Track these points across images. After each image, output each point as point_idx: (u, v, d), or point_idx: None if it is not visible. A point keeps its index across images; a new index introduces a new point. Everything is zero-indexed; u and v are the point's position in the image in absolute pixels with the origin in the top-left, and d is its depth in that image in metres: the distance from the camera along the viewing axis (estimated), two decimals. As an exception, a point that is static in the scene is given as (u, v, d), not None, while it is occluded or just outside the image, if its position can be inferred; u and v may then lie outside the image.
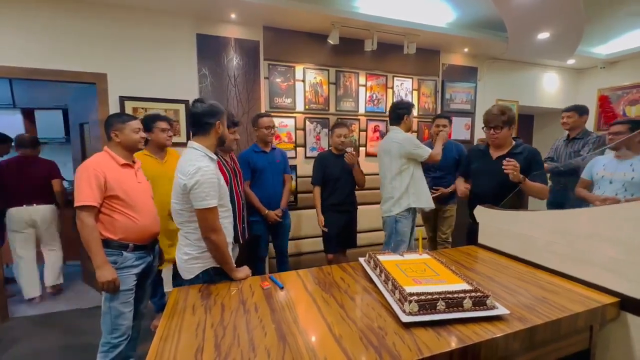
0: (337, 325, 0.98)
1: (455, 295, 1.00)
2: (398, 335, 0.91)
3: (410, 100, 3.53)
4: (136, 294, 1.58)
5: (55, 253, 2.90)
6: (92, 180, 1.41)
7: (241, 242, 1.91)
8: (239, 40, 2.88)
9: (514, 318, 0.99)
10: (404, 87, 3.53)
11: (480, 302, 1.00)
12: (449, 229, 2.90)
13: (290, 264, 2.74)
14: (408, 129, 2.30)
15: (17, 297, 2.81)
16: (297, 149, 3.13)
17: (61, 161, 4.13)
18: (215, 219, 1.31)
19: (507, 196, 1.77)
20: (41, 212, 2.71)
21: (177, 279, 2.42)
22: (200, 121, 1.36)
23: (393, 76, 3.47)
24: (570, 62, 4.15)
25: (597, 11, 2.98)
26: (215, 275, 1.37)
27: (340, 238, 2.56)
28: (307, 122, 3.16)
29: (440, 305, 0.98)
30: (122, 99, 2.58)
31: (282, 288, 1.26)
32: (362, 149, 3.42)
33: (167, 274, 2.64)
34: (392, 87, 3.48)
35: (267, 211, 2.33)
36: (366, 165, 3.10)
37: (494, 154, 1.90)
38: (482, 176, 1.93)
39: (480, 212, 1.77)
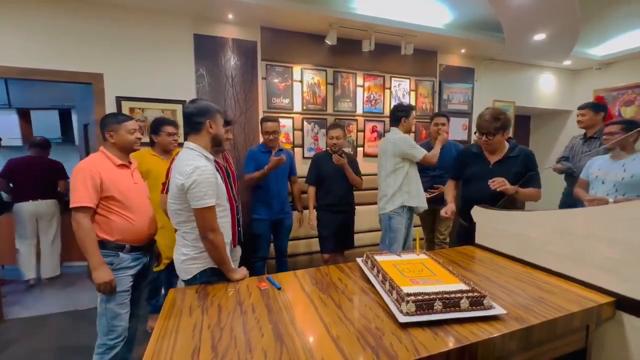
0: (335, 326, 0.98)
1: (453, 296, 1.00)
2: (395, 336, 0.91)
3: (409, 102, 3.54)
4: (132, 295, 1.57)
5: (53, 245, 3.15)
6: (88, 181, 1.40)
7: (233, 246, 1.86)
8: (237, 41, 2.87)
9: (510, 318, 1.00)
10: (401, 88, 3.54)
11: (477, 302, 1.00)
12: (446, 229, 2.91)
13: (289, 264, 2.74)
14: (407, 131, 2.32)
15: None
16: (295, 149, 3.13)
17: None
18: (213, 218, 1.31)
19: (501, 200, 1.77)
20: (44, 206, 3.02)
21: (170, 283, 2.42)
22: (191, 121, 1.37)
23: (390, 77, 3.48)
24: (566, 63, 4.18)
25: (593, 12, 3.00)
26: (213, 276, 1.37)
27: (336, 238, 2.57)
28: (305, 123, 3.16)
29: (438, 305, 0.98)
30: (119, 99, 2.57)
31: (279, 289, 1.25)
32: (359, 150, 3.42)
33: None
34: (390, 88, 3.49)
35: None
36: (364, 166, 3.10)
37: (491, 158, 1.86)
38: (479, 181, 1.83)
39: (478, 213, 1.77)
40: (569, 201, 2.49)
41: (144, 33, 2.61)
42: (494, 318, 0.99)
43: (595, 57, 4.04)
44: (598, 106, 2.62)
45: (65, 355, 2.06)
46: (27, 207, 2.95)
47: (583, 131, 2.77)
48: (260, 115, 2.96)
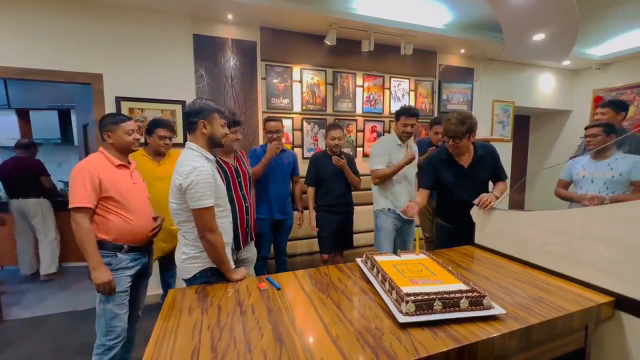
0: (334, 326, 0.98)
1: (452, 296, 1.00)
2: (395, 336, 0.92)
3: (409, 103, 3.55)
4: (131, 295, 1.56)
5: (47, 242, 3.26)
6: (87, 182, 1.40)
7: (242, 247, 1.85)
8: (236, 41, 2.87)
9: (510, 318, 1.00)
10: (401, 88, 3.54)
11: (476, 302, 1.00)
12: None
13: (288, 264, 2.74)
14: (398, 133, 2.33)
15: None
16: (295, 149, 3.13)
17: (56, 162, 4.13)
18: (212, 218, 1.31)
19: None
20: (28, 204, 3.16)
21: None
22: (187, 120, 1.38)
23: (390, 77, 3.48)
24: (566, 63, 4.18)
25: (592, 13, 3.01)
26: (213, 276, 1.37)
27: (335, 239, 2.56)
28: (305, 123, 3.16)
29: (437, 305, 0.98)
30: (118, 100, 2.57)
31: (279, 289, 1.25)
32: (359, 150, 3.42)
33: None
34: (389, 88, 3.49)
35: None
36: (363, 166, 3.10)
37: (462, 161, 1.86)
38: (459, 186, 1.84)
39: (477, 213, 1.77)
40: None
41: (143, 33, 2.61)
42: (494, 318, 0.99)
43: (594, 57, 4.05)
44: (620, 105, 2.39)
45: (65, 356, 2.05)
46: (14, 205, 3.16)
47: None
48: (260, 116, 2.96)
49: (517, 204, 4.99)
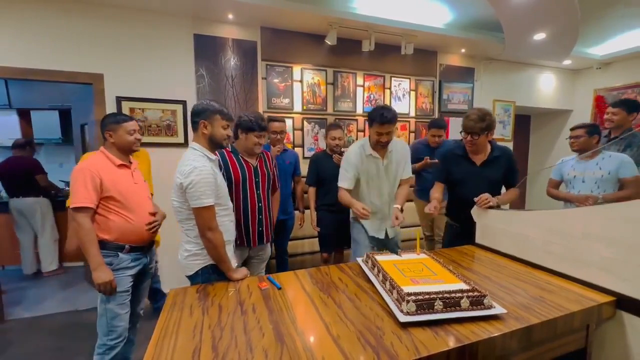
0: (335, 326, 0.98)
1: (453, 295, 1.00)
2: (396, 335, 0.92)
3: (408, 102, 3.54)
4: (132, 295, 1.57)
5: (45, 241, 3.30)
6: (88, 182, 1.40)
7: (253, 245, 1.86)
8: (237, 41, 2.87)
9: (511, 317, 1.00)
10: (401, 88, 3.54)
11: (477, 302, 1.00)
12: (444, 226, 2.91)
13: (289, 264, 2.74)
14: (372, 142, 1.89)
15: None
16: (295, 149, 3.13)
17: (57, 162, 4.13)
18: (212, 217, 1.33)
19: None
20: (25, 203, 3.19)
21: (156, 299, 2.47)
22: (191, 120, 1.42)
23: (391, 77, 3.48)
24: (567, 62, 4.18)
25: (593, 12, 3.00)
26: (214, 273, 1.39)
27: (336, 238, 2.57)
28: (305, 123, 3.16)
29: (438, 305, 0.98)
30: (119, 99, 2.57)
31: (280, 289, 1.25)
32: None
33: (165, 275, 2.63)
34: (390, 88, 3.49)
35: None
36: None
37: (476, 159, 1.86)
38: (469, 183, 1.84)
39: (478, 212, 1.77)
40: None
41: (144, 33, 2.61)
42: (495, 317, 0.99)
43: (595, 57, 4.04)
44: (633, 104, 2.26)
45: (65, 356, 2.06)
46: (12, 204, 3.20)
47: None
48: (260, 116, 2.96)
49: (517, 203, 4.98)
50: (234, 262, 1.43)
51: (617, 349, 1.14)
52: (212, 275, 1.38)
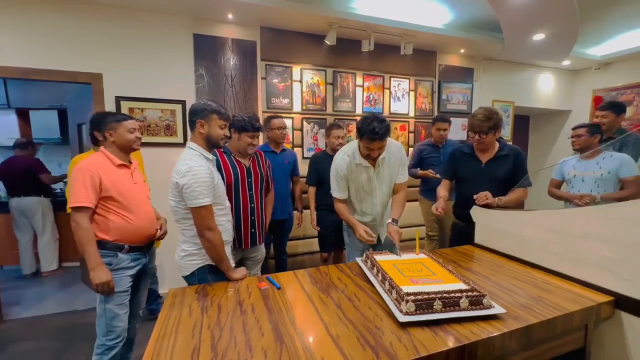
0: (334, 326, 0.98)
1: (452, 295, 1.00)
2: (395, 335, 0.92)
3: (408, 102, 3.54)
4: (132, 295, 1.56)
5: (45, 240, 3.31)
6: (87, 181, 1.40)
7: (245, 246, 1.85)
8: (236, 41, 2.87)
9: (510, 317, 1.00)
10: (400, 88, 3.54)
11: (476, 302, 1.00)
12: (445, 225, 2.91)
13: (288, 264, 2.74)
14: (362, 153, 1.73)
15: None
16: (295, 149, 3.13)
17: (56, 162, 4.12)
18: (210, 217, 1.33)
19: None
20: (27, 203, 3.20)
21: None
22: (189, 120, 1.43)
23: (390, 77, 3.48)
24: (566, 63, 4.19)
25: (592, 13, 3.01)
26: (211, 274, 1.38)
27: (335, 238, 2.57)
28: (305, 123, 3.16)
29: (437, 304, 0.98)
30: (118, 99, 2.56)
31: (279, 288, 1.25)
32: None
33: (164, 275, 2.63)
34: (389, 88, 3.49)
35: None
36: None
37: (482, 157, 1.87)
38: (474, 181, 1.85)
39: (477, 212, 1.78)
40: None
41: (143, 33, 2.61)
42: (494, 317, 0.99)
43: (594, 57, 4.05)
44: (620, 106, 2.36)
45: (64, 356, 2.05)
46: (13, 203, 3.21)
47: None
48: (260, 116, 2.96)
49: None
50: (231, 263, 1.43)
51: (615, 348, 1.14)
52: (208, 275, 1.38)
